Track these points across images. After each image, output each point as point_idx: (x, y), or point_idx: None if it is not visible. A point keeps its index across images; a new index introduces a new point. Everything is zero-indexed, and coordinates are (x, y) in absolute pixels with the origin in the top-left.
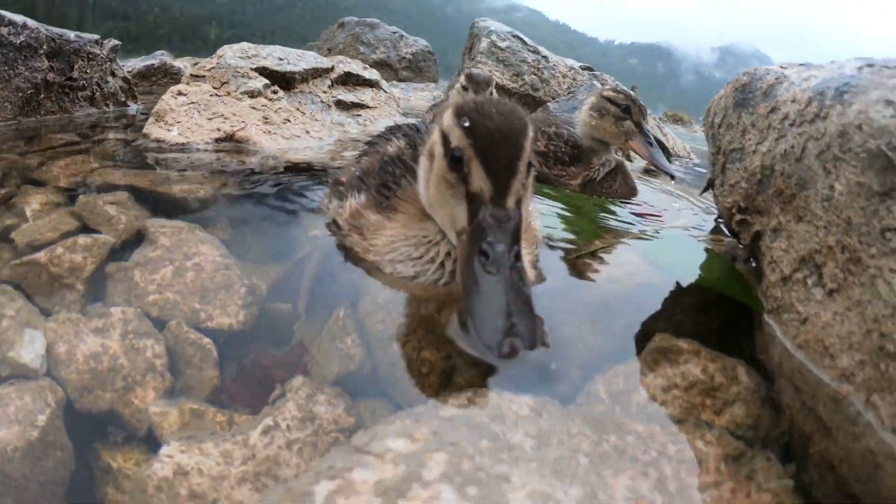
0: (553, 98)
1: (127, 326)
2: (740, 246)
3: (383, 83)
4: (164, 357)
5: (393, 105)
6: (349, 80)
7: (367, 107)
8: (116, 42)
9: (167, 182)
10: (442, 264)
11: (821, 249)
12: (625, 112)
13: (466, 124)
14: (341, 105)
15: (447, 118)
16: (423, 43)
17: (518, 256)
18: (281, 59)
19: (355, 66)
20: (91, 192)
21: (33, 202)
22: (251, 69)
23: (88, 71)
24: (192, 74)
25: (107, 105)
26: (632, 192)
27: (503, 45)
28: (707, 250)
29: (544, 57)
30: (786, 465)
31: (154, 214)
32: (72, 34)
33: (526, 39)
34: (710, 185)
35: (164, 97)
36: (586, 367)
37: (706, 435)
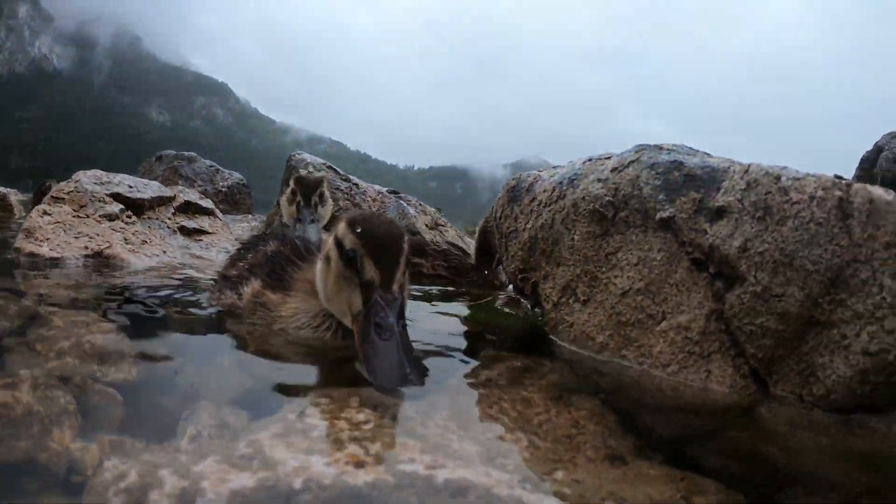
0: None
1: (36, 381)
2: (526, 297)
3: (217, 212)
4: (74, 403)
5: (227, 231)
6: (189, 208)
7: (207, 232)
8: None
9: (54, 286)
10: (336, 330)
11: (573, 279)
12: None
13: (359, 230)
14: (184, 231)
15: (341, 228)
16: (238, 176)
17: (404, 326)
18: (131, 187)
19: (193, 196)
20: None
21: None
22: (106, 194)
23: None
24: (52, 196)
25: None
26: None
27: (319, 175)
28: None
29: (355, 184)
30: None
31: (44, 307)
32: None
33: (338, 169)
34: (498, 262)
35: (31, 215)
36: (449, 370)
37: (531, 389)
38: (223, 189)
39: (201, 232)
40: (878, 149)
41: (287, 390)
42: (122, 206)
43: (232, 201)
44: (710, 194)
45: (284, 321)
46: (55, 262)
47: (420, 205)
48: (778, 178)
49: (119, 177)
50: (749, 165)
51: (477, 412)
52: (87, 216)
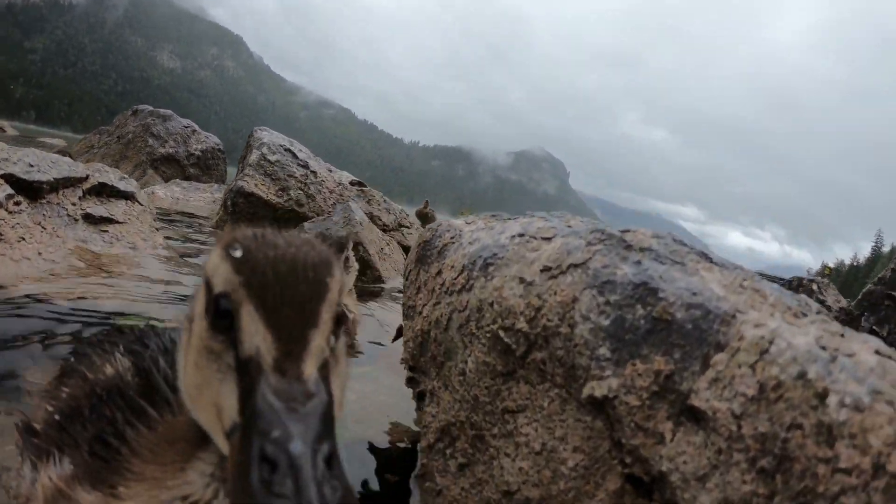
0: (318, 214)
1: None
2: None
3: (141, 195)
4: None
5: (147, 219)
6: (104, 190)
7: (117, 222)
8: None
9: None
10: None
11: (455, 423)
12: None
13: (238, 255)
14: (89, 219)
15: (213, 256)
16: (215, 140)
17: (331, 461)
18: (31, 166)
19: (112, 177)
20: None
21: None
22: None
23: None
24: None
25: None
26: None
27: (273, 158)
28: None
29: (313, 172)
30: None
31: None
32: None
33: (297, 153)
34: (398, 333)
35: None
36: None
37: None
38: (196, 152)
39: (109, 221)
40: None
41: None
42: (10, 192)
43: (204, 166)
44: (689, 367)
45: None
46: None
47: (385, 201)
48: (824, 395)
49: (22, 153)
50: (776, 327)
51: None
52: None
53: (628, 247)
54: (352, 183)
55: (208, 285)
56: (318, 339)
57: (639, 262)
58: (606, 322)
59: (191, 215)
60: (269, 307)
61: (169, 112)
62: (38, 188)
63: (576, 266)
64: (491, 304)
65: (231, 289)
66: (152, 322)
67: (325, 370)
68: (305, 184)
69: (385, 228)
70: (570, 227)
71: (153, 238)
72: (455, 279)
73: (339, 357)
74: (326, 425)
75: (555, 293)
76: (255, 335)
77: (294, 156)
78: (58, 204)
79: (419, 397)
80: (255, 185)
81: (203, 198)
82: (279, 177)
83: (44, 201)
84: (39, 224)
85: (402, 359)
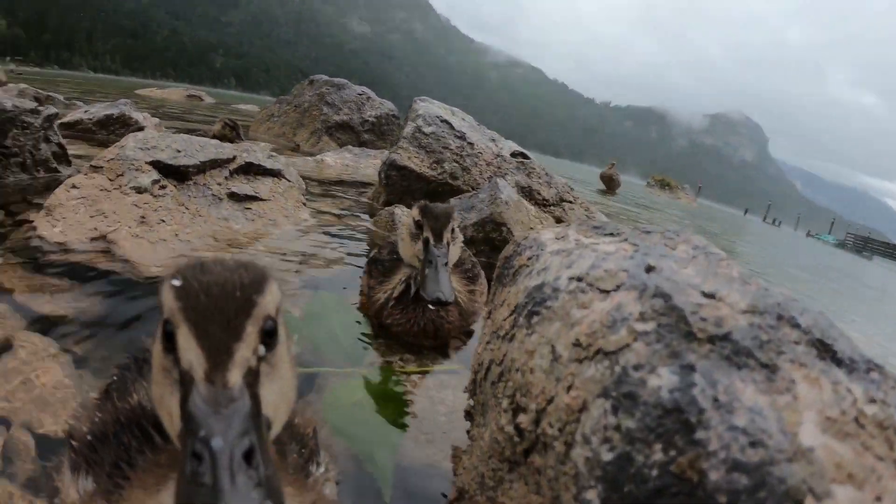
0: (473, 188)
1: None
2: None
3: (289, 172)
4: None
5: (294, 195)
6: (251, 169)
7: (261, 199)
8: (54, 111)
9: (39, 292)
10: None
11: (468, 492)
12: (417, 228)
13: (177, 283)
14: (234, 197)
15: (164, 287)
16: (390, 106)
17: (251, 456)
18: (178, 152)
19: (259, 156)
20: None
21: None
22: (146, 162)
23: (22, 139)
24: (91, 165)
25: (38, 171)
26: (434, 332)
27: (428, 129)
28: None
29: (470, 143)
30: None
31: (23, 325)
32: (9, 103)
33: (454, 124)
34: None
35: (57, 191)
36: None
37: None
38: (370, 119)
39: (254, 199)
40: None
41: None
42: (156, 177)
43: (379, 132)
44: None
45: None
46: (60, 247)
47: (546, 174)
48: None
49: (170, 139)
50: None
51: None
52: (119, 188)
53: (690, 335)
54: (513, 154)
55: (161, 312)
56: (243, 351)
57: (689, 369)
58: (608, 456)
59: (360, 184)
60: (199, 326)
61: (343, 81)
62: (185, 171)
63: (605, 355)
64: (518, 370)
65: (171, 314)
66: None
67: (250, 377)
68: (461, 156)
69: (544, 203)
70: (648, 271)
71: (296, 213)
72: (505, 320)
73: (275, 363)
74: (247, 425)
75: (568, 388)
76: (189, 351)
77: (451, 127)
78: (204, 185)
79: (469, 430)
80: (409, 157)
81: (373, 164)
82: (434, 149)
83: (190, 182)
84: (183, 205)
85: (466, 386)
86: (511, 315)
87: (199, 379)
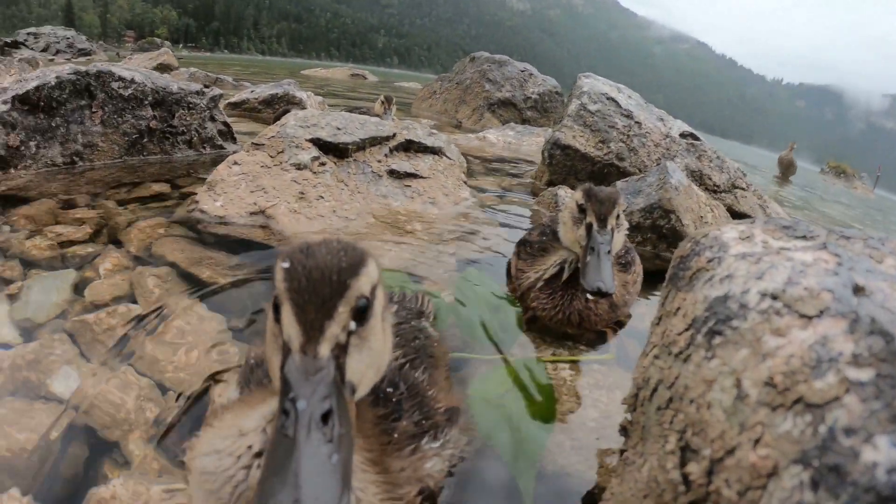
0: (640, 170)
1: (140, 391)
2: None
3: (450, 150)
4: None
5: (455, 172)
6: (411, 146)
7: (421, 177)
8: (218, 92)
9: (198, 264)
10: (246, 465)
11: None
12: (580, 212)
13: (285, 266)
14: (393, 174)
15: (277, 266)
16: (553, 83)
17: (328, 416)
18: (338, 129)
19: (420, 133)
20: (146, 262)
21: (108, 262)
22: (306, 140)
23: (188, 118)
24: (253, 143)
25: (203, 148)
26: (580, 321)
27: (593, 108)
28: None
29: (637, 122)
30: None
31: (182, 293)
32: (175, 86)
33: (621, 102)
34: None
35: (219, 167)
36: None
37: None
38: (533, 96)
39: (413, 176)
40: None
41: None
42: (315, 154)
43: (542, 109)
44: None
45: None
46: (220, 220)
47: (718, 157)
48: None
49: (330, 117)
50: None
51: None
52: (279, 164)
53: None
54: (682, 135)
55: (274, 287)
56: (333, 329)
57: None
58: None
59: (524, 161)
60: (299, 306)
61: (505, 58)
62: (345, 149)
63: (807, 407)
64: (692, 402)
65: (279, 292)
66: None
67: (337, 350)
68: (628, 136)
69: (715, 190)
70: (857, 293)
71: (456, 192)
72: (679, 335)
73: (366, 335)
74: (329, 390)
75: (755, 442)
76: (289, 326)
77: (617, 105)
78: (363, 161)
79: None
80: (573, 136)
81: (536, 142)
82: (599, 128)
83: (350, 159)
84: (343, 182)
85: (625, 398)
86: (687, 330)
87: (294, 350)
